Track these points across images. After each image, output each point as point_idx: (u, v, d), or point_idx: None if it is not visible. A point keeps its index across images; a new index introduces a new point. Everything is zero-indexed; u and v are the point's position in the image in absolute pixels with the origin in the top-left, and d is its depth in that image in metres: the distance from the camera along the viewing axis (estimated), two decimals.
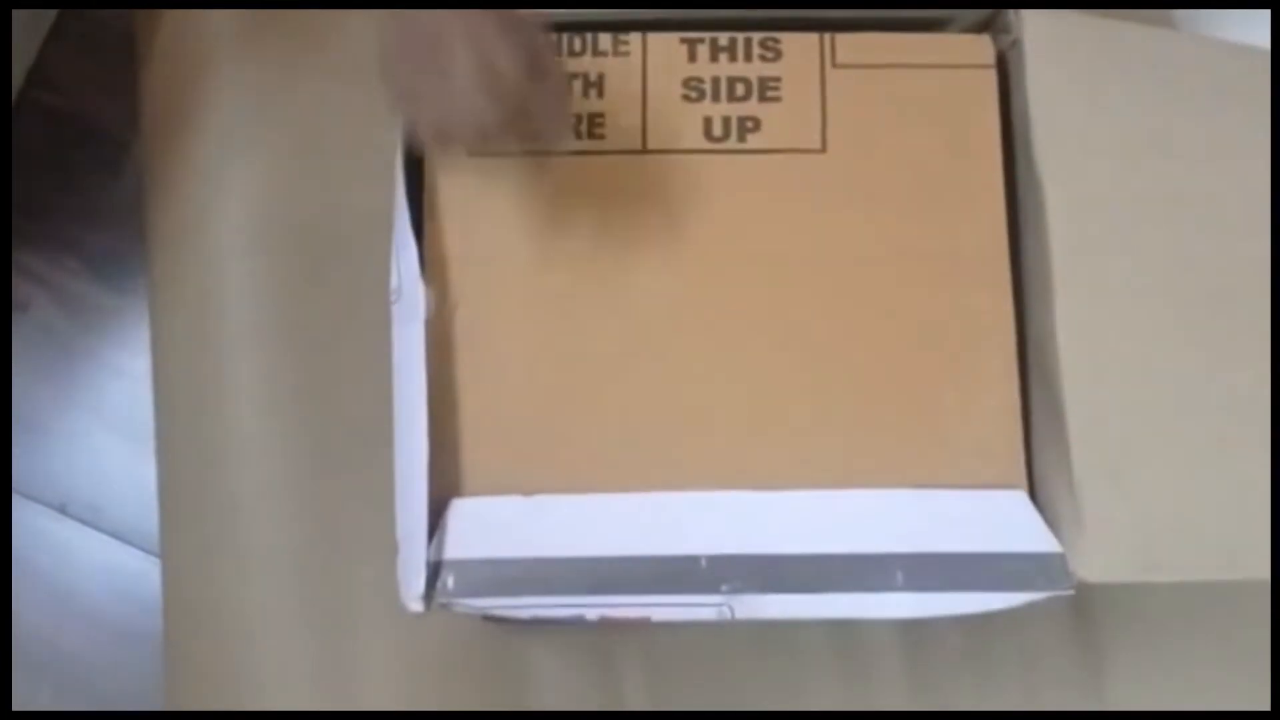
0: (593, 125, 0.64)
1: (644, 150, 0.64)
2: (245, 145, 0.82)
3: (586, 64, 0.65)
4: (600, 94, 0.64)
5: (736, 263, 0.63)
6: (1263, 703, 0.69)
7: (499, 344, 0.62)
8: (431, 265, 0.62)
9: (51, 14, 0.94)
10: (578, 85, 0.64)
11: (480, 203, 0.63)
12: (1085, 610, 0.72)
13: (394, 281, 0.61)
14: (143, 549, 0.87)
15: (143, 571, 0.86)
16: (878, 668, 0.72)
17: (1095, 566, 0.57)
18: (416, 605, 0.57)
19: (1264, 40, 0.67)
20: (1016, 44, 0.63)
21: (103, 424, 0.90)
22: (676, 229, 0.63)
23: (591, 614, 0.60)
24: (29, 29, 0.93)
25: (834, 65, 0.64)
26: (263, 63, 0.83)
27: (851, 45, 0.65)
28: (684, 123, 0.64)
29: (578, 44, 0.65)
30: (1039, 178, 0.61)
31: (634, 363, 0.62)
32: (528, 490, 0.60)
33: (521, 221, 0.63)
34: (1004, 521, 0.59)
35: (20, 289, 0.92)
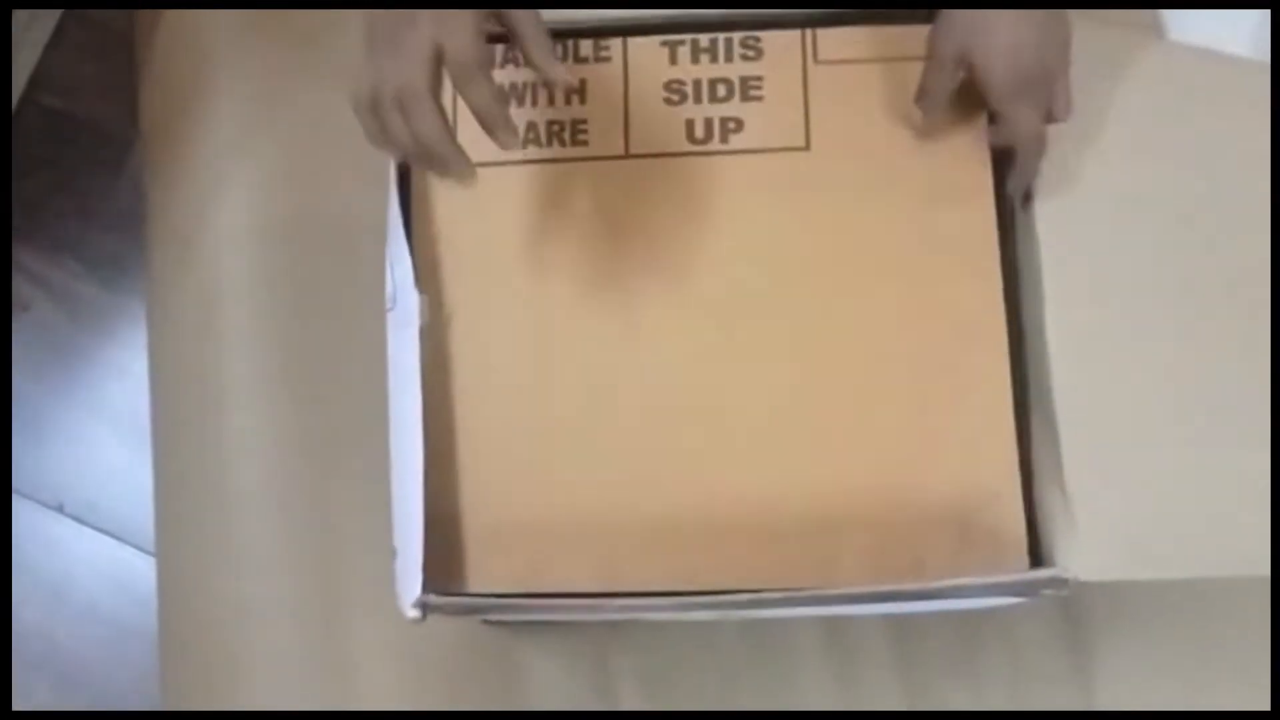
0: (575, 132, 0.64)
1: (626, 155, 0.63)
2: (243, 148, 0.82)
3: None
4: (582, 100, 0.64)
5: (723, 263, 0.62)
6: (1250, 701, 0.70)
7: (491, 354, 0.62)
8: (423, 274, 0.62)
9: (53, 18, 0.95)
10: (560, 92, 0.64)
11: (466, 213, 0.63)
12: (1074, 610, 0.72)
13: (389, 289, 0.61)
14: (139, 547, 0.88)
15: (139, 569, 0.87)
16: (869, 667, 0.73)
17: (1088, 564, 0.57)
18: (414, 613, 0.57)
19: (1241, 40, 0.68)
20: None
21: (101, 423, 0.91)
22: (662, 232, 0.63)
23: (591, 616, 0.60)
24: (31, 33, 0.93)
25: (815, 61, 0.64)
26: (261, 66, 0.83)
27: (833, 40, 0.64)
28: (667, 126, 0.63)
29: (559, 51, 0.63)
30: None
31: (624, 367, 0.61)
32: (524, 504, 0.61)
33: (507, 230, 0.63)
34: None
35: (21, 289, 0.92)
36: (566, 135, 0.64)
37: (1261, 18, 0.70)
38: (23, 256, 0.93)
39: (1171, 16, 0.72)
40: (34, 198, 0.93)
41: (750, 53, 0.64)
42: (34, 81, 0.94)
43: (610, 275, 0.62)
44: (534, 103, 0.64)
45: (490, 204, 0.63)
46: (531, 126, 0.64)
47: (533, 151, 0.64)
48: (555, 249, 0.63)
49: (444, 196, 0.64)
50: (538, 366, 0.62)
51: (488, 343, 0.62)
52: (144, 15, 0.89)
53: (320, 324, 0.78)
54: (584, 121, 0.64)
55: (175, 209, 0.84)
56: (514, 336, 0.62)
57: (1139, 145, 0.62)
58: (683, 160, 0.63)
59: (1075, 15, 0.58)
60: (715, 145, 0.63)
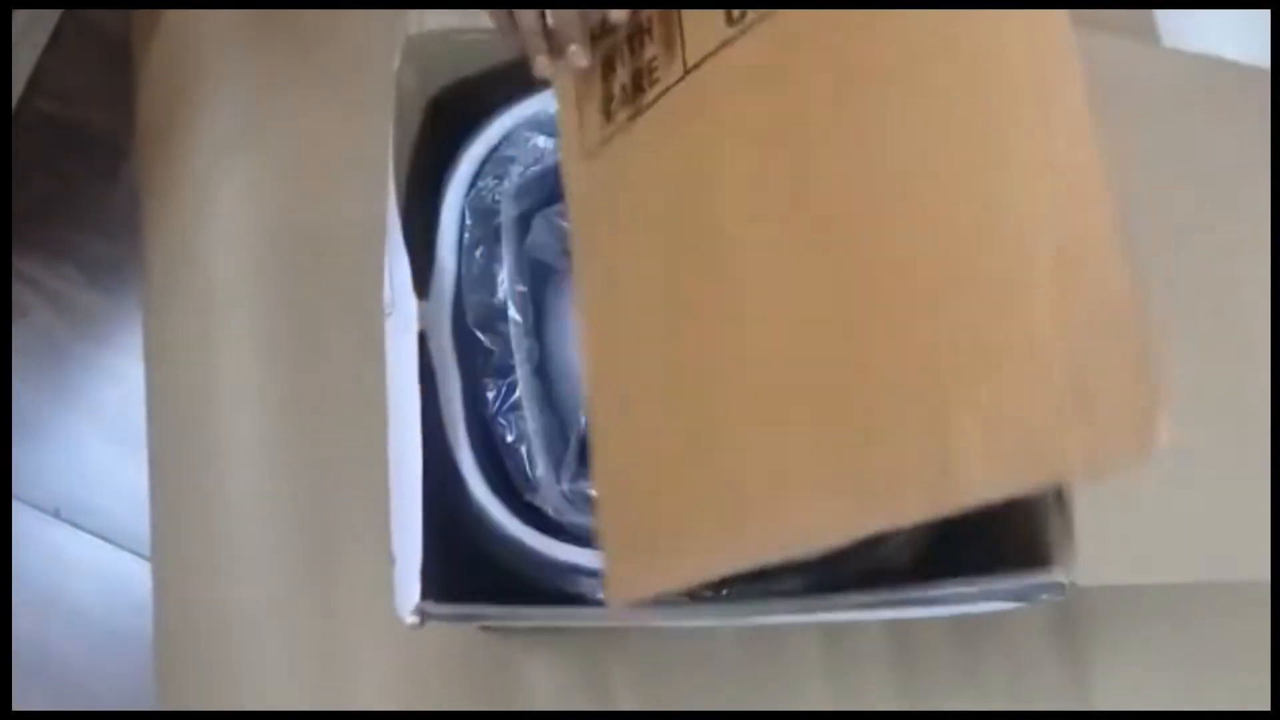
0: (650, 72, 0.59)
1: (685, 74, 0.58)
2: (240, 151, 0.83)
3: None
4: (652, 37, 0.60)
5: (772, 159, 0.53)
6: (1250, 703, 0.69)
7: (629, 327, 0.58)
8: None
9: (52, 20, 0.95)
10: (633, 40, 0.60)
11: (600, 189, 0.61)
12: (1071, 614, 0.72)
13: (387, 294, 0.60)
14: (134, 551, 0.88)
15: (134, 573, 0.87)
16: (866, 671, 0.72)
17: (1085, 569, 0.56)
18: (412, 619, 0.56)
19: (1237, 44, 0.68)
20: None
21: (98, 428, 0.91)
22: (723, 140, 0.56)
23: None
24: (29, 36, 0.94)
25: None
26: (257, 69, 0.84)
27: None
28: (711, 23, 0.57)
29: None
30: None
31: (733, 313, 0.54)
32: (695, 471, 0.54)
33: (628, 199, 0.60)
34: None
35: (19, 296, 0.92)
36: (645, 81, 0.59)
37: (1258, 20, 0.71)
38: (21, 263, 0.93)
39: (1166, 21, 0.72)
40: (31, 204, 0.93)
41: None
42: (31, 85, 0.95)
43: (697, 219, 0.56)
44: (621, 62, 0.61)
45: (611, 176, 0.61)
46: (624, 89, 0.60)
47: (627, 112, 0.60)
48: (652, 204, 0.59)
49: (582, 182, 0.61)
50: (668, 327, 0.57)
51: (627, 318, 0.59)
52: (140, 18, 0.90)
53: (317, 328, 0.78)
54: (655, 58, 0.59)
55: (172, 213, 0.84)
56: (645, 305, 0.58)
57: (1134, 152, 0.59)
58: (726, 51, 0.56)
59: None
60: (751, 18, 0.55)
